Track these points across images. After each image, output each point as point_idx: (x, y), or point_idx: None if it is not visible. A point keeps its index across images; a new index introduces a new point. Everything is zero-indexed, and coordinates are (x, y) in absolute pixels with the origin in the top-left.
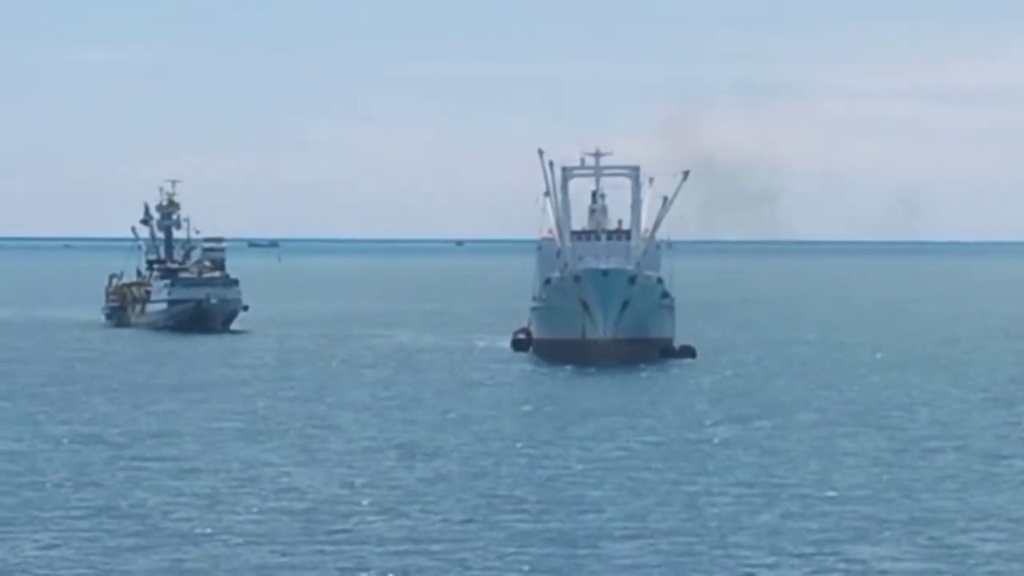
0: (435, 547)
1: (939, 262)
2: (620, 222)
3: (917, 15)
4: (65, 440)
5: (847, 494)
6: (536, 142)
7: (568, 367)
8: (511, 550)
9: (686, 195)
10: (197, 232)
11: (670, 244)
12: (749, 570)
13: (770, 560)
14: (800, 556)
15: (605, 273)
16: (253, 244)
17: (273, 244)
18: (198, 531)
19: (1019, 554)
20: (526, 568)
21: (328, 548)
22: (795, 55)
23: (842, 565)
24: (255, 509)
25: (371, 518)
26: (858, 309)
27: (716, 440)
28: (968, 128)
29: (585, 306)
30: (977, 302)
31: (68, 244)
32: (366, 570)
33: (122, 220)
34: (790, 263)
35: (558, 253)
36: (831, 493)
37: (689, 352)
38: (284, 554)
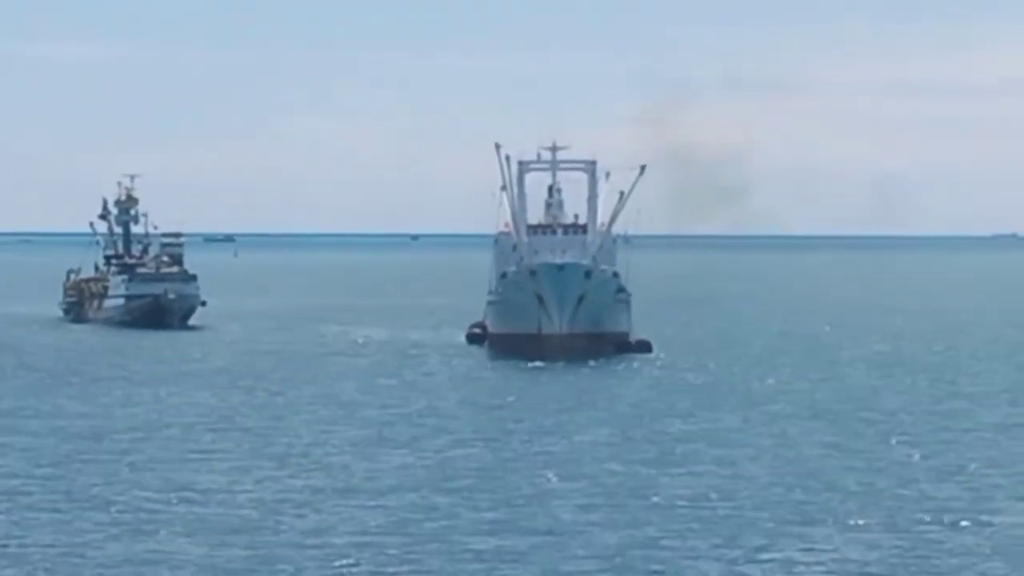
0: (389, 539)
1: (914, 257)
2: (576, 216)
3: (893, 9)
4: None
5: (801, 484)
6: (494, 136)
7: (524, 361)
8: (465, 540)
9: (660, 190)
10: (155, 227)
11: (627, 239)
12: (704, 559)
13: (725, 549)
14: (754, 547)
15: (561, 268)
16: (209, 239)
17: (229, 239)
18: (161, 521)
19: (971, 544)
20: (483, 560)
21: (281, 539)
22: (772, 50)
23: (796, 554)
24: (215, 501)
25: (324, 509)
26: (824, 304)
27: (670, 433)
28: (946, 120)
29: (541, 300)
30: (946, 298)
31: (27, 239)
32: (321, 560)
33: (81, 215)
34: (764, 258)
35: (514, 247)
36: (784, 483)
37: (645, 347)
38: (244, 546)
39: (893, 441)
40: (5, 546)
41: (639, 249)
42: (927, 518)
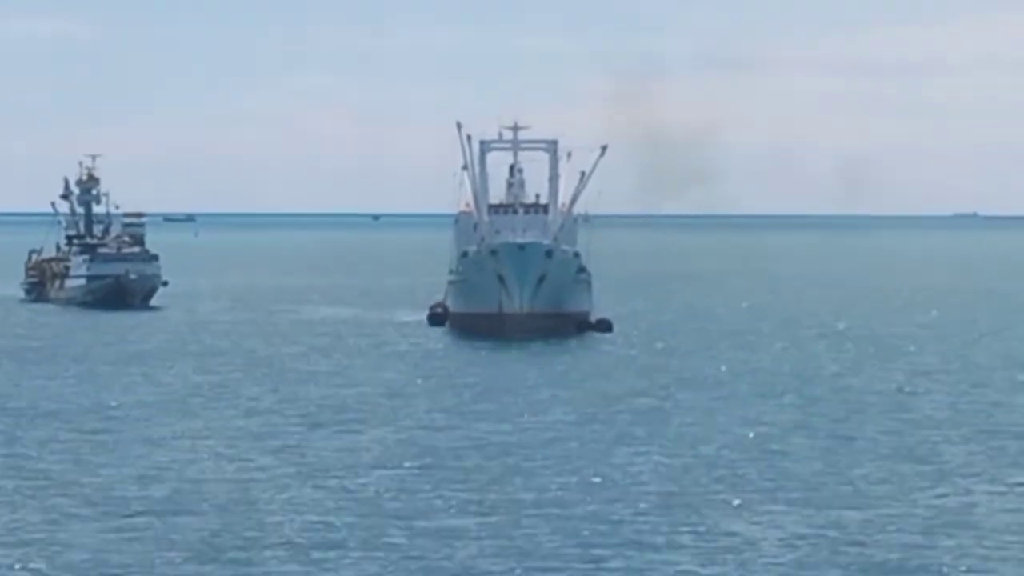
0: (349, 518)
1: (880, 236)
2: (538, 196)
3: None
4: None
5: (755, 459)
6: (455, 115)
7: (484, 341)
8: (425, 519)
9: (627, 169)
10: (117, 207)
11: (587, 218)
12: (665, 535)
13: (687, 526)
14: (714, 523)
15: (522, 247)
16: (168, 219)
17: (189, 219)
18: (118, 501)
19: (930, 522)
20: (443, 538)
21: (240, 519)
22: (742, 29)
23: (754, 530)
24: (175, 480)
25: (284, 488)
26: (787, 283)
27: (629, 411)
28: (914, 100)
29: (502, 280)
30: (909, 276)
31: None
32: (281, 538)
33: (42, 195)
34: (732, 238)
35: (475, 227)
36: (741, 460)
37: (605, 326)
38: (201, 526)
39: (851, 418)
40: None
41: (605, 228)
42: (884, 494)
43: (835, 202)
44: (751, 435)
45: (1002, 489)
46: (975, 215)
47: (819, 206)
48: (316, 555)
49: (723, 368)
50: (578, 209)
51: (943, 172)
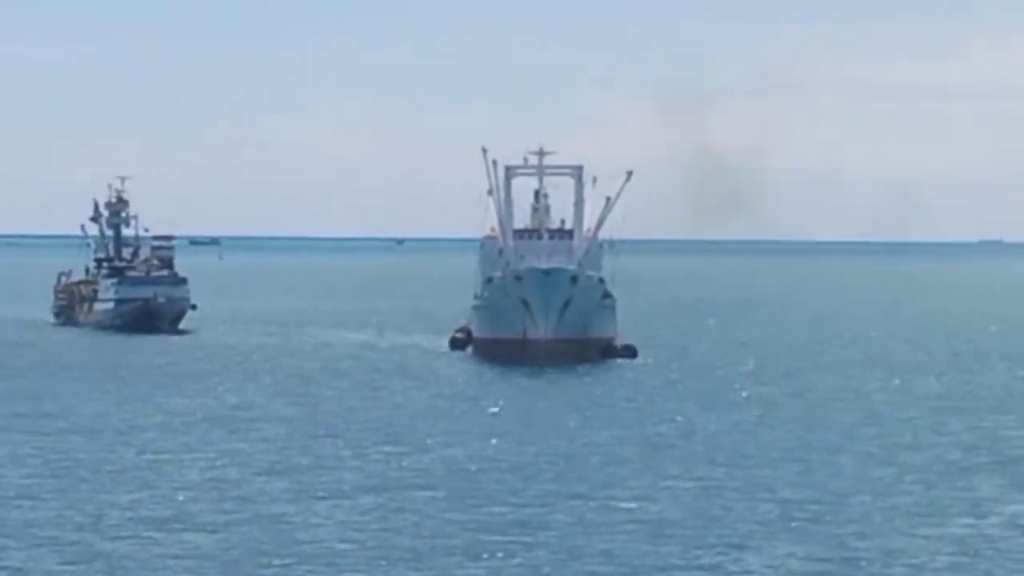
0: (371, 537)
1: (927, 264)
2: (563, 221)
3: (914, 9)
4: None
5: (779, 483)
6: (480, 140)
7: (508, 366)
8: (446, 540)
9: (672, 195)
10: (146, 230)
11: (612, 244)
12: (688, 563)
13: (718, 550)
14: (748, 546)
15: (547, 272)
16: (194, 242)
17: (214, 242)
18: (151, 520)
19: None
20: (465, 559)
21: (267, 537)
22: (788, 51)
23: (789, 554)
24: (206, 500)
25: (308, 509)
26: (819, 310)
27: (657, 436)
28: (968, 127)
29: (526, 305)
30: (961, 304)
31: (11, 242)
32: (303, 557)
33: (72, 217)
34: (773, 263)
35: (500, 252)
36: (766, 484)
37: (630, 351)
38: (231, 544)
39: (874, 446)
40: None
41: (643, 255)
42: (917, 517)
43: (887, 228)
44: (779, 459)
45: None
46: (1000, 242)
47: (871, 232)
48: (350, 573)
49: (751, 394)
50: (603, 235)
51: (970, 198)
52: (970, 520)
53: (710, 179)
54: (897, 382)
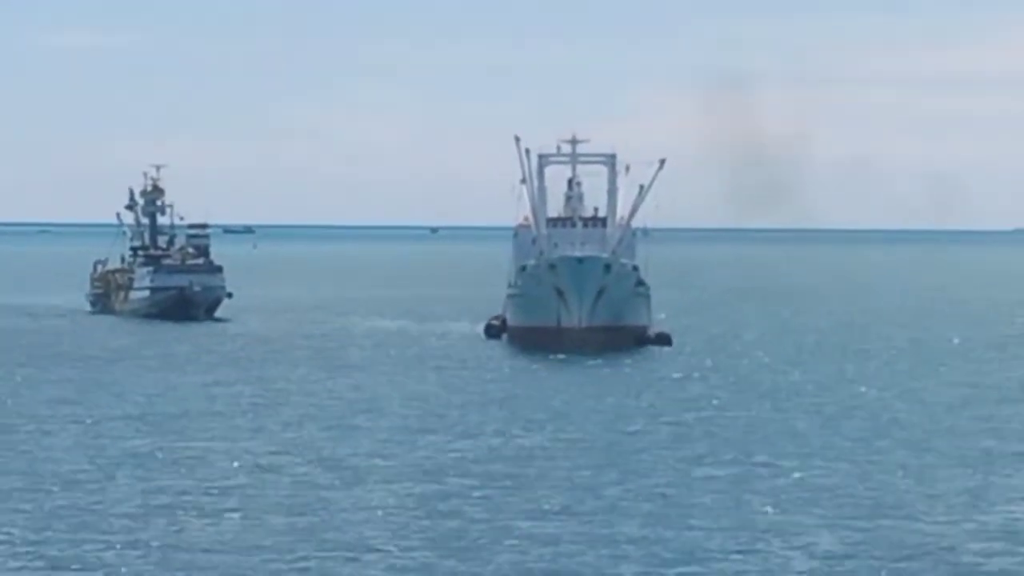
0: (403, 524)
1: (966, 251)
2: (596, 209)
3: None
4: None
5: (814, 470)
6: (514, 128)
7: (543, 354)
8: (478, 528)
9: (714, 183)
10: (181, 218)
11: (646, 232)
12: (728, 552)
13: (759, 540)
14: (782, 541)
15: (580, 261)
16: (228, 230)
17: (248, 230)
18: (191, 507)
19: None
20: (499, 547)
21: (303, 523)
22: (827, 41)
23: (828, 544)
24: (247, 488)
25: (342, 495)
26: (856, 298)
27: (694, 425)
28: (1004, 115)
29: (560, 294)
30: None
31: (45, 229)
32: (336, 544)
33: (108, 205)
34: (811, 252)
35: (534, 240)
36: (800, 470)
37: (664, 340)
38: (266, 529)
39: (913, 433)
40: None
41: (683, 243)
42: (956, 505)
43: (926, 216)
44: (813, 450)
45: None
46: None
47: (910, 220)
48: (390, 559)
49: (786, 384)
50: (637, 223)
51: (1007, 187)
52: (1011, 508)
53: (749, 168)
54: (942, 369)
